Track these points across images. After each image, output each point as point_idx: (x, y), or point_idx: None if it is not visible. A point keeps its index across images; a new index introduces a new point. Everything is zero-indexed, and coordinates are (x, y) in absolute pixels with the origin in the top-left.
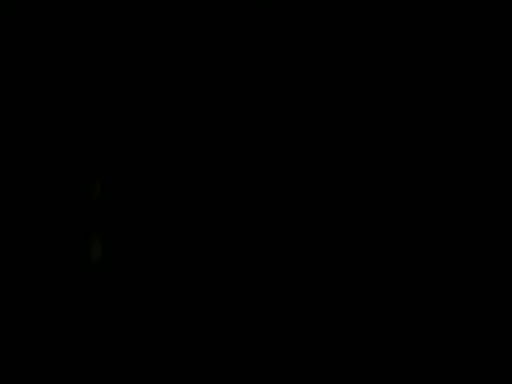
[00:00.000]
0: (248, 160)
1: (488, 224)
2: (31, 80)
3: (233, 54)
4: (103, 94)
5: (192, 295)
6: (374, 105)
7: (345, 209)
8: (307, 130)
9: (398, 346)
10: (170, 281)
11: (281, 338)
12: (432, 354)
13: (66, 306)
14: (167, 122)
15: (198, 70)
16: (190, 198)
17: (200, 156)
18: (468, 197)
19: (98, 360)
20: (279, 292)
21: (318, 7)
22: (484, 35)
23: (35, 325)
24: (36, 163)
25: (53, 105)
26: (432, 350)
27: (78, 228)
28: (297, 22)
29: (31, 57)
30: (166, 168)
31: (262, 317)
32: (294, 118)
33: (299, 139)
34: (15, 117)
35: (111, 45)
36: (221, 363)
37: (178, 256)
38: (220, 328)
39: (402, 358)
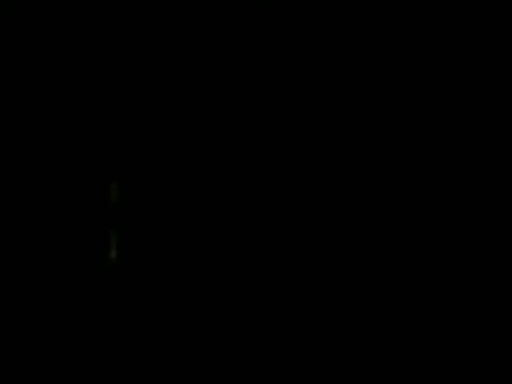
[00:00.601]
0: (249, 160)
1: (488, 224)
2: (43, 80)
3: (233, 53)
4: (119, 95)
5: (207, 294)
6: (375, 105)
7: (345, 209)
8: (307, 130)
9: (398, 346)
10: (184, 279)
11: (281, 338)
12: (432, 354)
13: (82, 303)
14: (180, 122)
15: (199, 70)
16: (207, 198)
17: (213, 156)
18: (468, 197)
19: (111, 355)
20: (281, 292)
21: (318, 7)
22: (484, 35)
23: (52, 319)
24: (55, 164)
25: (67, 106)
26: (432, 350)
27: (97, 227)
28: (297, 22)
29: (37, 57)
30: (182, 168)
31: (266, 316)
32: (294, 117)
33: (299, 139)
34: (29, 118)
35: (117, 47)
36: (223, 361)
37: (195, 255)
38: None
39: (402, 358)
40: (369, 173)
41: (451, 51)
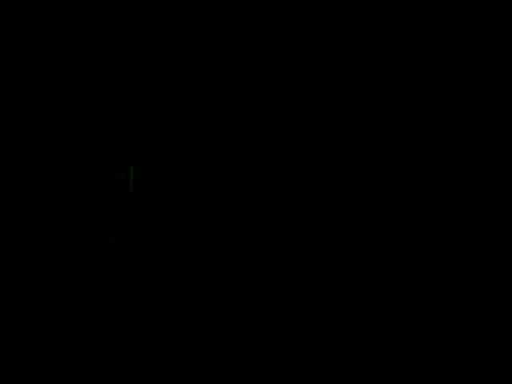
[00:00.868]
0: (250, 159)
1: (488, 224)
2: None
3: (233, 53)
4: (134, 91)
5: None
6: (374, 104)
7: (346, 209)
8: (306, 129)
9: (397, 346)
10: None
11: (281, 338)
12: (432, 353)
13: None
14: (183, 119)
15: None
16: (217, 186)
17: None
18: (468, 197)
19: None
20: (280, 292)
21: (317, 7)
22: (484, 35)
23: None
24: (77, 151)
25: (87, 99)
26: (432, 349)
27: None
28: (296, 22)
29: (46, 52)
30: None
31: (265, 316)
32: (294, 116)
33: (298, 138)
34: (49, 110)
35: (119, 46)
36: (222, 358)
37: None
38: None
39: (401, 358)
40: (370, 172)
41: (451, 51)
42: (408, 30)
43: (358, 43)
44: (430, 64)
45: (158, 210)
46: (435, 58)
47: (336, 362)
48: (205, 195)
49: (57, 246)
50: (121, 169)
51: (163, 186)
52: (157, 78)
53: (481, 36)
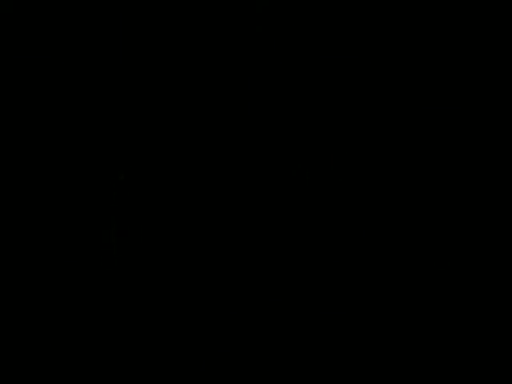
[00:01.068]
0: (249, 158)
1: (488, 224)
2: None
3: (233, 53)
4: (126, 95)
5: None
6: (374, 104)
7: (346, 209)
8: (306, 129)
9: (397, 346)
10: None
11: (280, 338)
12: (432, 353)
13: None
14: (182, 119)
15: (202, 70)
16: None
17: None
18: (468, 197)
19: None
20: (280, 292)
21: (317, 7)
22: (484, 35)
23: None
24: (72, 155)
25: (81, 103)
26: (432, 349)
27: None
28: (296, 22)
29: (40, 56)
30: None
31: (264, 316)
32: (294, 116)
33: (298, 138)
34: (45, 115)
35: (118, 46)
36: (222, 358)
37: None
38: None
39: (401, 358)
40: (370, 172)
41: (451, 51)
42: (408, 30)
43: (358, 43)
44: (430, 64)
45: (159, 210)
46: (435, 57)
47: (336, 362)
48: (205, 195)
49: (57, 245)
50: (121, 169)
51: (164, 186)
52: (156, 78)
53: (481, 36)
